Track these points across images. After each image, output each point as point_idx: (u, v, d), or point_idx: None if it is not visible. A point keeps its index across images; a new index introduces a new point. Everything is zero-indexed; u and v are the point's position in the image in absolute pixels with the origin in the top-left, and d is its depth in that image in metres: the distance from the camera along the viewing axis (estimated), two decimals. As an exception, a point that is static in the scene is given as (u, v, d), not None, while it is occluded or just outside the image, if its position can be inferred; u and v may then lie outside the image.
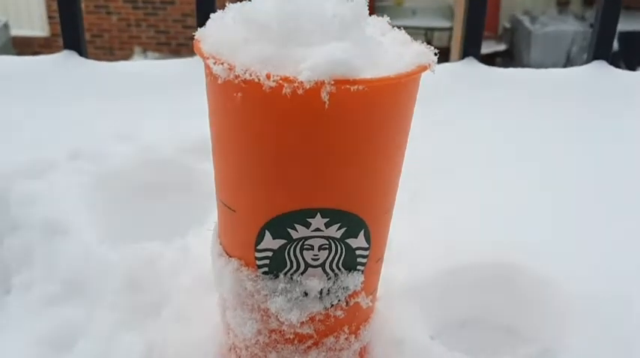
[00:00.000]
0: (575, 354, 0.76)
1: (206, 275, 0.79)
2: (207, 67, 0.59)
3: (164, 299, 0.81)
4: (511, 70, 1.48)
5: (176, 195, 1.00)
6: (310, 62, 0.54)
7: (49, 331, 0.80)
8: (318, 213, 0.60)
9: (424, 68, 0.59)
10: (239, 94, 0.56)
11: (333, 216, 0.61)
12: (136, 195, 1.00)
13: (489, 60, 7.43)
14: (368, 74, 0.55)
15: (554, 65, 6.90)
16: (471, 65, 1.42)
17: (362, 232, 0.63)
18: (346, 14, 0.58)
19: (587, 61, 1.47)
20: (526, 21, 7.24)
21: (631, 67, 6.57)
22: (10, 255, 0.93)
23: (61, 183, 0.97)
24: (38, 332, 0.80)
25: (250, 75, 0.54)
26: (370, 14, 0.63)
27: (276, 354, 0.68)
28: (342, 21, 0.58)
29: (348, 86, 0.53)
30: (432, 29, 7.58)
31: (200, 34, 0.62)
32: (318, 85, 0.53)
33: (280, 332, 0.67)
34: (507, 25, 7.69)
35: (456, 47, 6.20)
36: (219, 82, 0.56)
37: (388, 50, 0.61)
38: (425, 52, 0.61)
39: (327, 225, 0.61)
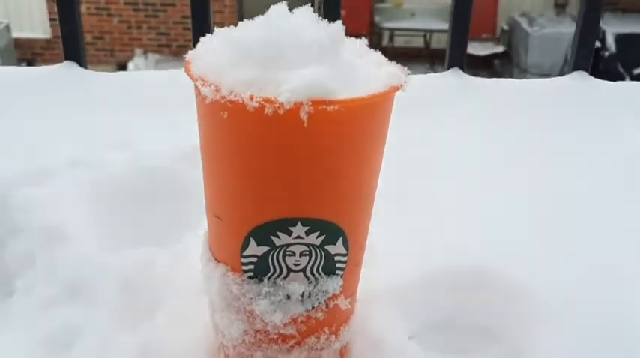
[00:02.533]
0: (544, 354, 0.81)
1: (198, 278, 0.84)
2: (196, 87, 0.64)
3: (159, 302, 0.86)
4: (494, 80, 1.52)
5: (171, 201, 1.05)
6: (290, 85, 0.59)
7: (50, 332, 0.84)
8: (299, 222, 0.65)
9: (396, 89, 0.64)
10: (225, 113, 0.61)
11: (313, 224, 0.66)
12: (132, 201, 1.04)
13: (487, 61, 7.47)
14: (343, 95, 0.60)
15: (551, 67, 6.95)
16: (456, 76, 1.47)
17: (340, 239, 0.68)
18: (324, 40, 0.63)
19: (568, 72, 1.52)
20: (524, 23, 7.28)
21: (627, 69, 6.61)
22: (12, 259, 0.98)
23: (60, 189, 1.01)
24: (39, 332, 0.84)
25: (235, 96, 0.59)
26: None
27: (261, 353, 0.73)
28: (320, 46, 0.63)
29: (324, 106, 0.58)
30: (431, 31, 7.62)
31: (190, 56, 0.67)
32: (297, 106, 0.58)
33: (265, 332, 0.72)
34: (505, 27, 7.73)
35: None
36: (207, 102, 0.61)
37: (364, 72, 0.66)
38: (397, 73, 0.66)
39: (307, 233, 0.66)
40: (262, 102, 0.58)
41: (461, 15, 1.45)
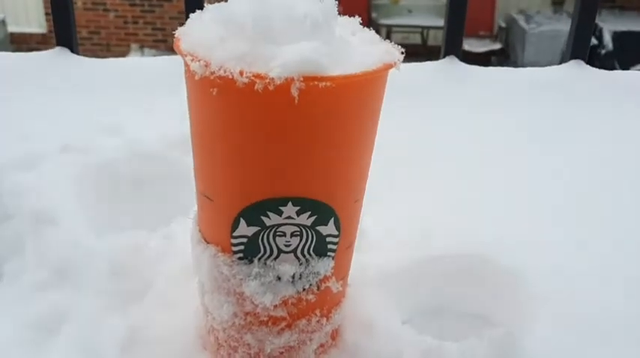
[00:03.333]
0: (537, 337, 0.80)
1: (188, 262, 0.82)
2: (185, 63, 0.63)
3: (148, 286, 0.85)
4: (490, 68, 1.51)
5: (161, 186, 1.04)
6: (281, 60, 0.57)
7: (38, 315, 0.83)
8: (290, 202, 0.64)
9: (390, 66, 0.63)
10: (214, 90, 0.60)
11: (304, 204, 0.65)
12: (122, 186, 1.03)
13: (484, 58, 7.46)
14: (336, 72, 0.59)
15: (548, 65, 6.94)
16: (452, 64, 1.46)
17: (332, 220, 0.67)
18: (317, 15, 0.62)
19: (565, 60, 1.51)
20: (521, 20, 7.27)
21: (624, 66, 6.62)
22: (1, 244, 0.97)
23: (50, 174, 1.00)
24: (28, 316, 0.83)
25: (225, 71, 0.58)
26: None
27: (251, 335, 0.72)
28: (313, 21, 0.61)
29: (316, 83, 0.57)
30: (428, 28, 7.60)
31: (180, 32, 0.65)
32: (288, 82, 0.57)
33: (255, 314, 0.71)
34: (503, 24, 7.72)
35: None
36: (197, 78, 0.60)
37: (356, 49, 0.65)
38: (391, 51, 0.65)
39: (298, 213, 0.65)
40: (252, 78, 0.57)
41: (457, 4, 1.44)
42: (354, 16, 0.72)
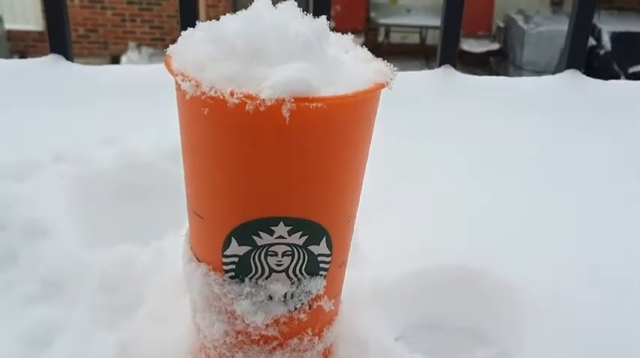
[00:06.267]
0: (531, 355, 0.80)
1: (180, 277, 0.82)
2: (176, 82, 0.62)
3: (139, 300, 0.84)
4: (486, 78, 1.51)
5: (154, 199, 1.03)
6: (271, 81, 0.57)
7: (29, 329, 0.83)
8: (281, 222, 0.64)
9: (381, 86, 0.62)
10: (205, 110, 0.59)
11: (296, 224, 0.64)
12: (115, 198, 1.03)
13: (483, 59, 7.47)
14: (327, 92, 0.58)
15: (547, 65, 6.94)
16: (448, 73, 1.45)
17: (324, 239, 0.67)
18: (308, 35, 0.61)
19: (560, 70, 1.51)
20: (520, 20, 7.27)
21: (623, 67, 6.61)
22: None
23: (43, 185, 1.00)
24: (18, 329, 0.83)
25: (215, 92, 0.57)
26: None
27: (242, 354, 0.72)
28: (305, 41, 0.61)
29: (307, 103, 0.57)
30: (427, 27, 7.60)
31: (171, 50, 0.65)
32: (279, 102, 0.56)
33: (246, 333, 0.70)
34: (501, 25, 7.72)
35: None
36: (187, 97, 0.60)
37: (349, 68, 0.64)
38: (384, 70, 0.64)
39: (289, 233, 0.65)
40: (243, 99, 0.56)
41: (453, 12, 1.44)
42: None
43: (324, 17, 0.63)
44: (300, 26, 0.62)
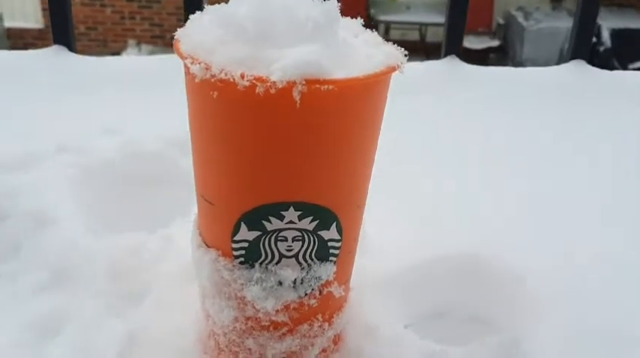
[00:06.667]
0: (540, 342, 0.80)
1: (188, 264, 0.82)
2: (185, 66, 0.62)
3: (147, 288, 0.84)
4: (491, 68, 1.50)
5: (160, 187, 1.03)
6: (282, 63, 0.56)
7: (36, 317, 0.83)
8: (292, 207, 0.63)
9: (393, 69, 0.62)
10: (215, 93, 0.59)
11: (306, 209, 0.64)
12: (120, 187, 1.02)
13: (483, 55, 7.45)
14: (338, 75, 0.58)
15: (547, 62, 6.93)
16: (453, 63, 1.45)
17: (334, 225, 0.66)
18: (319, 17, 0.61)
19: (566, 60, 1.50)
20: (520, 17, 7.26)
21: (623, 63, 6.61)
22: (-2, 244, 0.96)
23: (48, 174, 0.99)
24: (26, 317, 0.83)
25: (225, 74, 0.57)
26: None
27: (252, 340, 0.71)
28: (315, 24, 0.61)
29: (318, 86, 0.56)
30: (426, 24, 7.59)
31: (180, 34, 0.64)
32: (290, 85, 0.56)
33: (256, 319, 0.70)
34: (501, 21, 7.71)
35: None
36: (197, 81, 0.59)
37: (359, 51, 0.64)
38: (394, 53, 0.64)
39: (300, 218, 0.64)
40: (253, 81, 0.56)
41: (458, 2, 1.44)
42: (354, 14, 0.71)
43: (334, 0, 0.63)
44: (310, 9, 0.61)
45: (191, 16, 0.66)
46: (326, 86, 0.56)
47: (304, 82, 0.56)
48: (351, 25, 0.69)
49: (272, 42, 0.59)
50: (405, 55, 0.65)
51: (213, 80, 0.58)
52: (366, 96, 0.62)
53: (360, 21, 0.70)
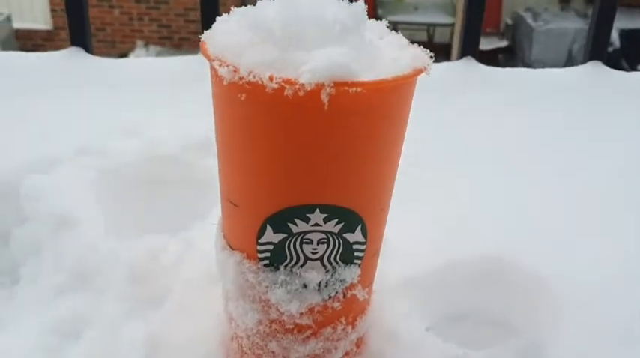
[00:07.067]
0: (562, 346, 0.79)
1: (208, 267, 0.82)
2: (212, 68, 0.62)
3: (168, 291, 0.84)
4: (508, 70, 1.50)
5: (180, 190, 1.03)
6: (310, 65, 0.56)
7: (57, 320, 0.83)
8: (317, 209, 0.63)
9: (420, 71, 0.62)
10: (243, 95, 0.59)
11: (332, 211, 0.64)
12: (140, 189, 1.02)
13: (491, 56, 7.43)
14: (366, 77, 0.58)
15: (555, 62, 6.90)
16: (470, 65, 1.44)
17: (359, 227, 0.66)
18: (346, 20, 0.61)
19: (583, 62, 1.49)
20: (528, 18, 7.24)
21: (632, 64, 6.58)
22: (17, 247, 0.96)
23: (68, 177, 0.99)
24: (47, 320, 0.83)
25: (254, 77, 0.57)
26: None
27: (276, 343, 0.71)
28: (343, 26, 0.60)
29: (347, 88, 0.56)
30: (434, 25, 7.58)
31: (206, 36, 0.64)
32: (319, 87, 0.55)
33: (280, 322, 0.70)
34: (509, 22, 7.69)
35: (457, 43, 6.19)
36: (224, 83, 0.59)
37: (385, 54, 0.63)
38: (421, 56, 0.64)
39: (325, 221, 0.64)
40: (282, 84, 0.56)
41: (475, 3, 1.43)
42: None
43: (361, 1, 0.63)
44: (337, 11, 0.61)
45: (217, 18, 0.66)
46: (354, 88, 0.56)
47: (333, 85, 0.56)
48: (375, 27, 0.69)
49: (300, 44, 0.59)
50: (431, 57, 0.65)
51: (241, 82, 0.57)
52: (393, 98, 0.62)
53: (384, 22, 0.70)
